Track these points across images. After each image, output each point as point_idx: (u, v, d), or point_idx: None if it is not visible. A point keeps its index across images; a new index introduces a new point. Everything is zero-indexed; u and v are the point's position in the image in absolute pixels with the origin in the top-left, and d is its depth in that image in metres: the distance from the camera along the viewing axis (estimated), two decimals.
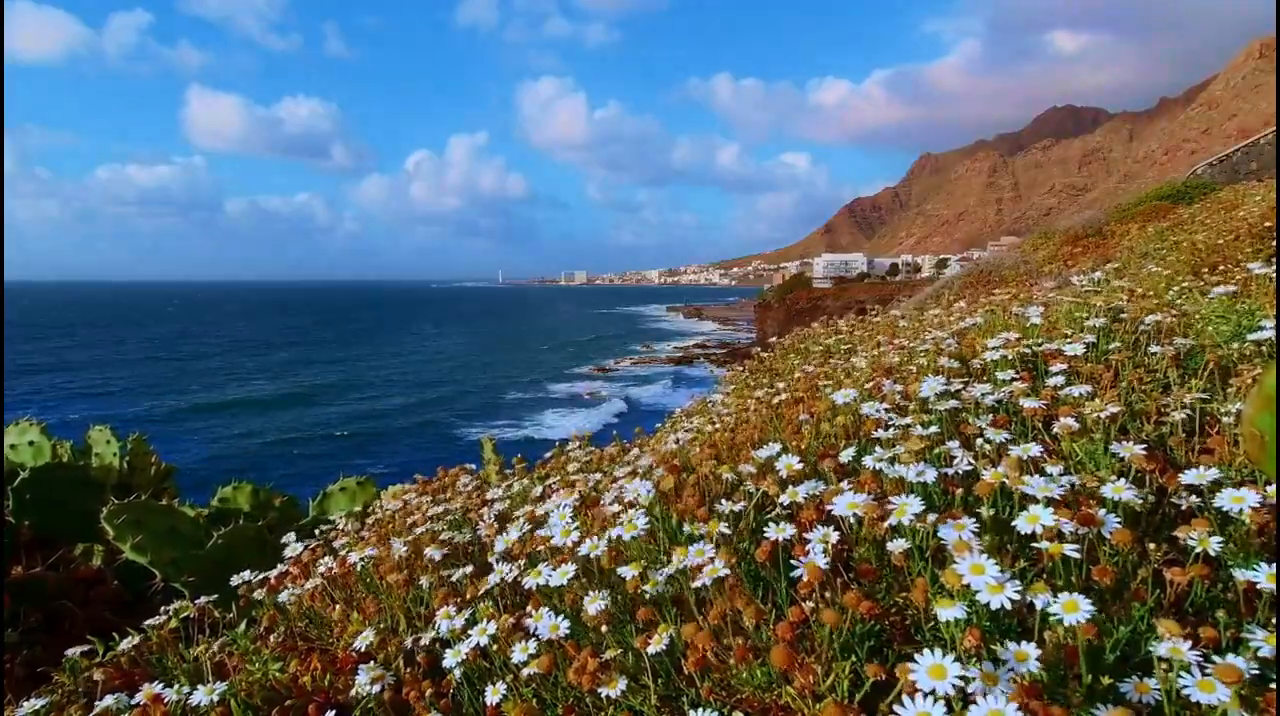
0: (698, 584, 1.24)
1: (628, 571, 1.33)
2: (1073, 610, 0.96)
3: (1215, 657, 0.90)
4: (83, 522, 3.05)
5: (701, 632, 1.14)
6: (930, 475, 1.34)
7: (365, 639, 1.60)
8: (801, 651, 1.09)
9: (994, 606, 0.98)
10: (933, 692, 0.88)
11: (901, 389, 1.95)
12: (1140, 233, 9.59)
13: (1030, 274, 8.94)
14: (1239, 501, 1.12)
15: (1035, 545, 1.13)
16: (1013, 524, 1.15)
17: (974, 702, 0.87)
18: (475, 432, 30.54)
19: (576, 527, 1.51)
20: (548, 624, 1.33)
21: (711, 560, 1.25)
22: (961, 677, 0.90)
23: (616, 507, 1.53)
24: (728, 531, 1.38)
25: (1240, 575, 1.03)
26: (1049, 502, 1.15)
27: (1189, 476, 1.26)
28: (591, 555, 1.39)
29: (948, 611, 0.99)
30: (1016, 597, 0.98)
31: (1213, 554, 1.10)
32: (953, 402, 1.69)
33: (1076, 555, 1.06)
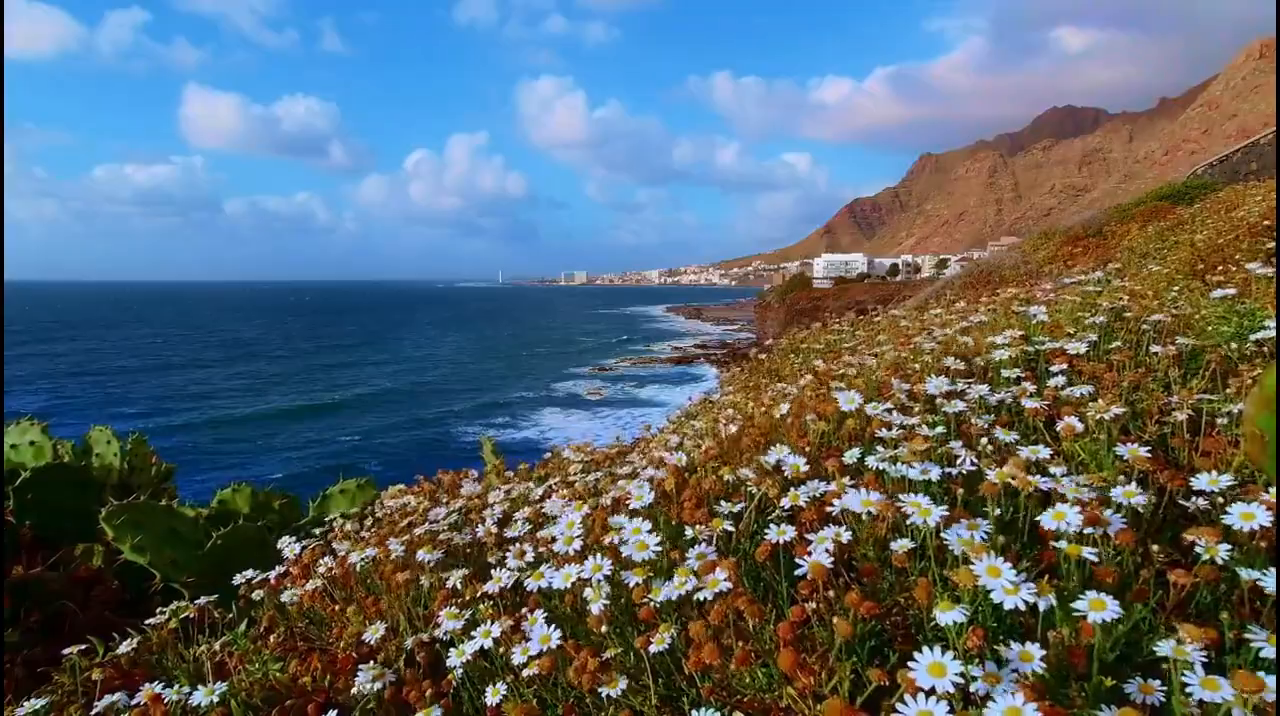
0: (699, 596, 1.24)
1: (631, 577, 1.33)
2: (1099, 608, 0.96)
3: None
4: (83, 523, 3.05)
5: (707, 645, 1.13)
6: (935, 473, 1.34)
7: (372, 632, 1.60)
8: (802, 651, 1.08)
9: (1008, 607, 0.99)
10: (932, 691, 0.88)
11: (908, 388, 1.95)
12: (1140, 233, 9.58)
13: (1030, 274, 8.94)
14: (1249, 518, 1.10)
15: (1041, 545, 1.13)
16: (1037, 519, 1.15)
17: (991, 700, 0.87)
18: (475, 433, 30.55)
19: (580, 537, 1.50)
20: (540, 633, 1.32)
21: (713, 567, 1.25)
22: (962, 675, 0.89)
23: (622, 519, 1.52)
24: (730, 528, 1.37)
25: (1246, 574, 1.03)
26: (1077, 503, 1.15)
27: (1200, 481, 1.25)
28: (595, 577, 1.38)
29: (948, 615, 0.98)
30: (1032, 600, 0.99)
31: (1220, 561, 1.09)
32: (959, 404, 1.69)
33: (1094, 558, 1.06)
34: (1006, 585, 1.00)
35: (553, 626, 1.34)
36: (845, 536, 1.23)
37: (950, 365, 2.06)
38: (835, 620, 1.07)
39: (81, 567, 2.92)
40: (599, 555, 1.40)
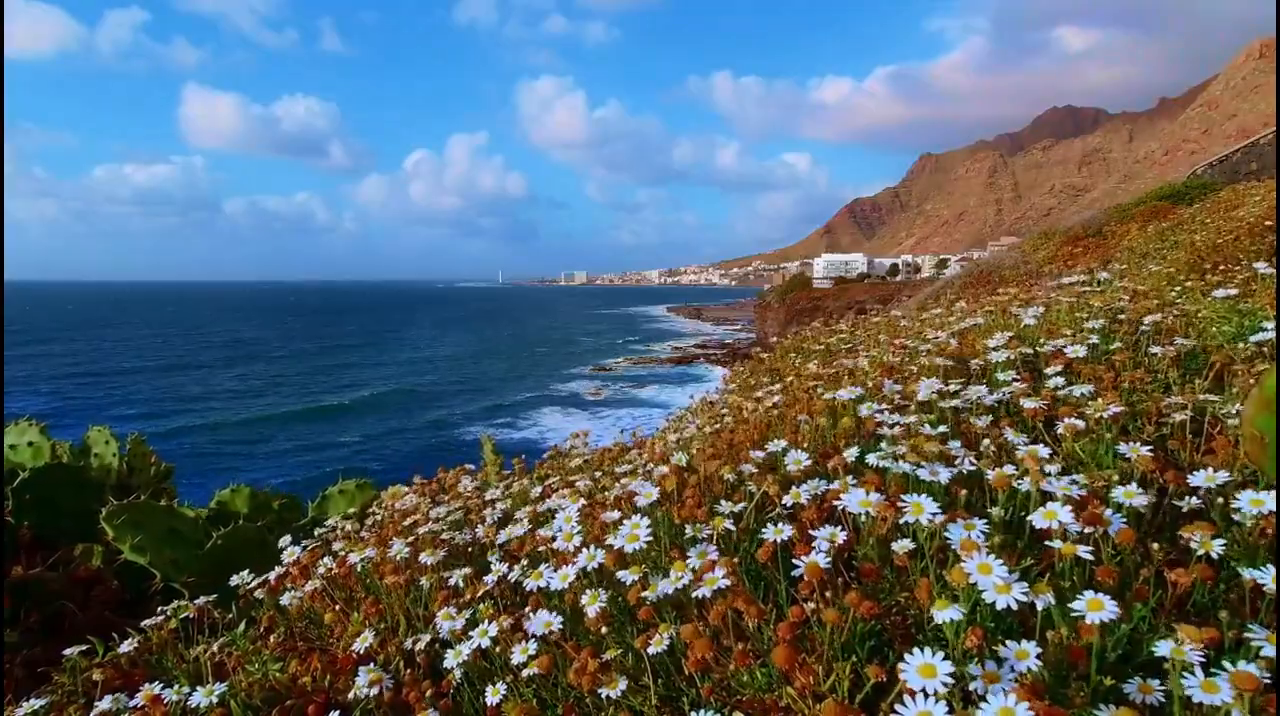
0: (698, 594, 1.24)
1: (628, 576, 1.32)
2: (1097, 608, 0.96)
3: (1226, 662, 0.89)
4: (82, 523, 3.05)
5: (702, 639, 1.13)
6: (945, 475, 1.34)
7: (365, 640, 1.60)
8: (802, 651, 1.08)
9: (1000, 606, 0.98)
10: (927, 692, 0.88)
11: (901, 389, 1.95)
12: (1140, 233, 9.58)
13: (1030, 274, 8.93)
14: (1258, 504, 1.11)
15: (1044, 545, 1.13)
16: (1028, 519, 1.15)
17: (983, 700, 0.86)
18: (475, 432, 30.56)
19: (579, 532, 1.50)
20: (542, 621, 1.33)
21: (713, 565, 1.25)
22: (953, 676, 0.89)
23: (617, 514, 1.52)
24: (731, 527, 1.37)
25: (1248, 574, 1.03)
26: (1068, 501, 1.15)
27: (1197, 478, 1.25)
28: (589, 566, 1.38)
29: (944, 613, 0.99)
30: (1024, 598, 0.98)
31: (1215, 556, 1.09)
32: (955, 402, 1.68)
33: (1089, 556, 1.06)
34: (998, 581, 1.00)
35: (554, 613, 1.35)
36: (841, 536, 1.23)
37: (943, 364, 2.06)
38: (823, 611, 1.06)
39: (81, 567, 2.92)
40: (593, 546, 1.40)
